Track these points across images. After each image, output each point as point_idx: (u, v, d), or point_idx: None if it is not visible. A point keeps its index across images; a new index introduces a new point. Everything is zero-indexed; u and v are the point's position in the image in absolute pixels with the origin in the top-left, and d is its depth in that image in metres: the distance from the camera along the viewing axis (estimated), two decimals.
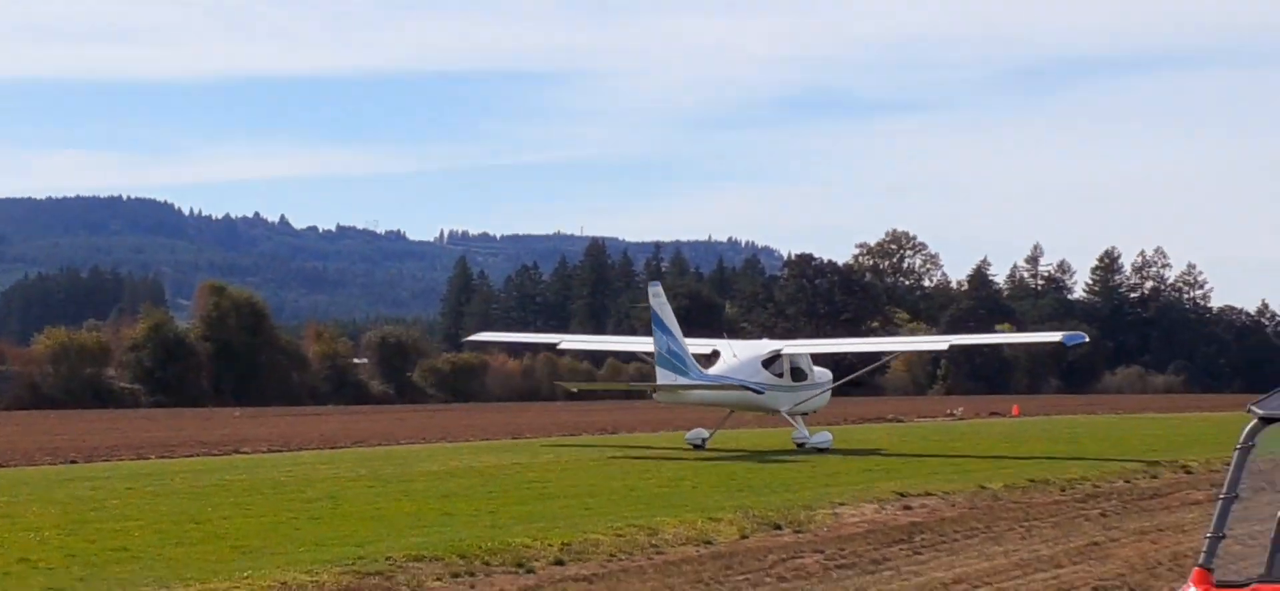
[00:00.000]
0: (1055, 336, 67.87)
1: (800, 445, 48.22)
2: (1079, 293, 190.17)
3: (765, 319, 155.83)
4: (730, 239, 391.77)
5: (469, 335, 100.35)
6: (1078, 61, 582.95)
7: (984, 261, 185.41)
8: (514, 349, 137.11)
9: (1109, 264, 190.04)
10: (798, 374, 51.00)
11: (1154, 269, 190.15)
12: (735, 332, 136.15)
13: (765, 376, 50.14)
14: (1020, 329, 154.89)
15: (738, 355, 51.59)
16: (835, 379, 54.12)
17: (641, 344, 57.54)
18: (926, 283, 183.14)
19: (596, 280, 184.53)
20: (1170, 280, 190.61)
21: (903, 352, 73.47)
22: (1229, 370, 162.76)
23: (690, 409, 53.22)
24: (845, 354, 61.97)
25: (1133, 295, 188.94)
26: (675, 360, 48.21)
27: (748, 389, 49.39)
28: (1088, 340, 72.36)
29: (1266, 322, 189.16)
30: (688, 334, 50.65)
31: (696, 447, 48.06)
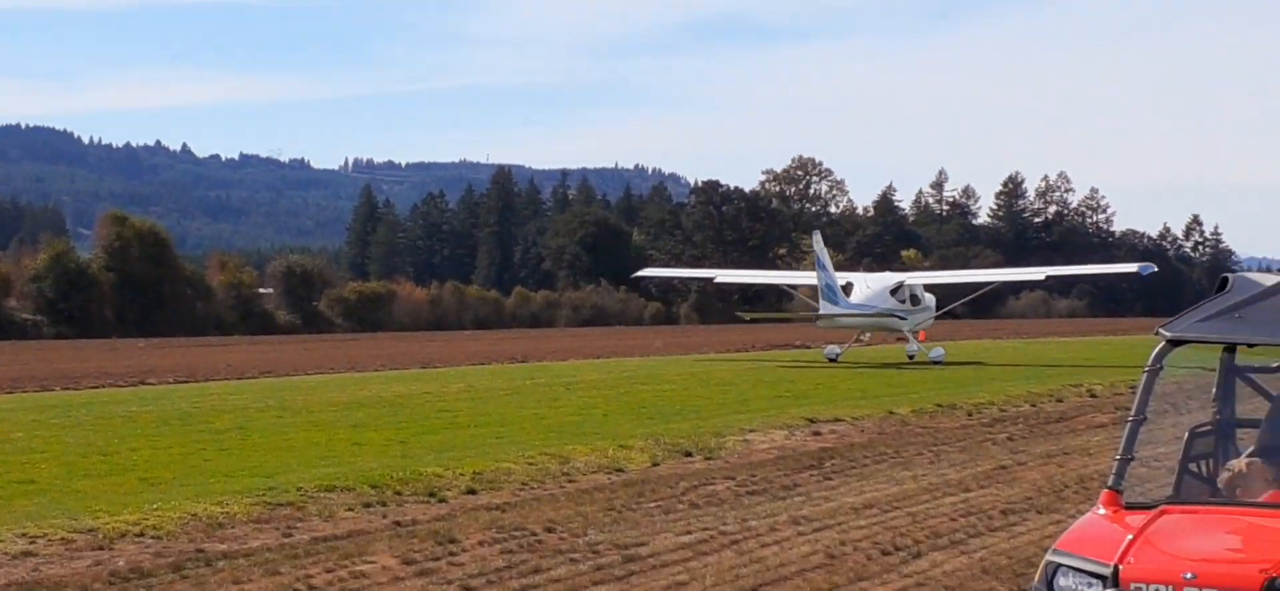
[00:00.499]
0: (1132, 268, 76.81)
1: (911, 357, 57.79)
2: (984, 218, 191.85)
3: (673, 246, 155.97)
4: (637, 166, 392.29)
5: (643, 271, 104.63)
6: None
7: (890, 187, 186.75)
8: (422, 278, 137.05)
9: (1013, 189, 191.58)
10: (915, 300, 60.91)
11: (1057, 194, 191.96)
12: (645, 260, 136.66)
13: (892, 303, 60.03)
14: (926, 254, 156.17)
15: (870, 286, 61.66)
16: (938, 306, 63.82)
17: (793, 277, 71.71)
18: (833, 209, 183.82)
19: (503, 208, 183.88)
20: (1073, 205, 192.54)
21: (999, 283, 78.53)
22: (1131, 294, 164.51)
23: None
24: (951, 284, 70.16)
25: (1036, 220, 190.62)
26: (831, 294, 59.18)
27: (894, 316, 59.84)
28: (1157, 271, 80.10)
29: (1168, 246, 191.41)
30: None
31: (831, 361, 57.23)
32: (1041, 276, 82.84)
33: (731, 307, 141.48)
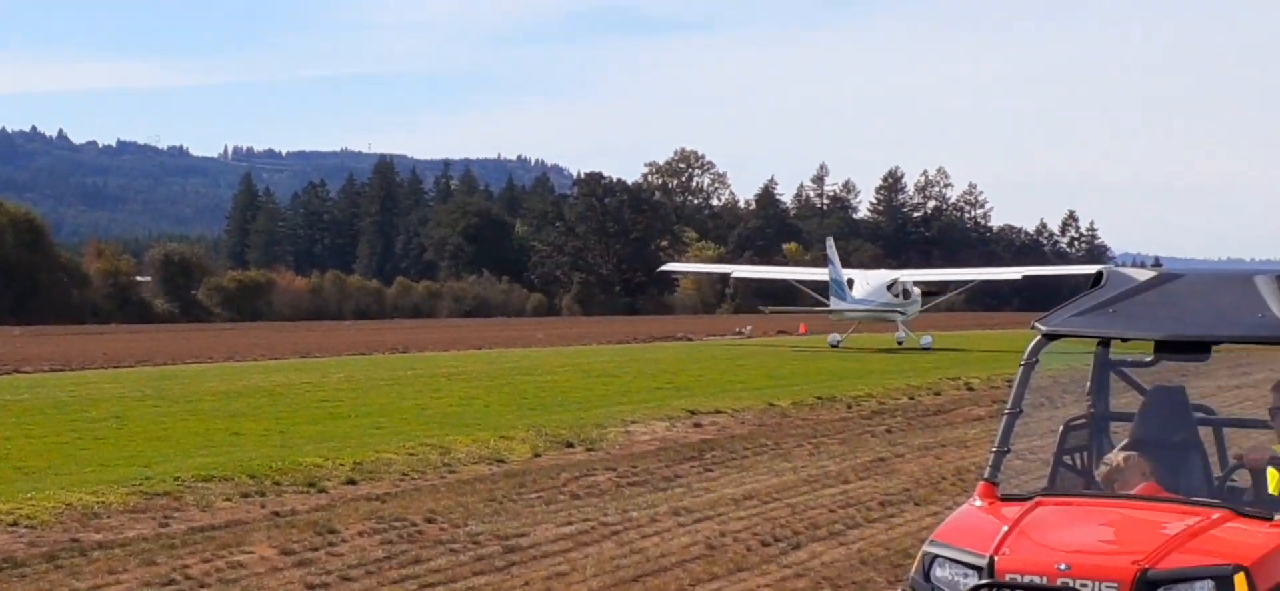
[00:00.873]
0: (1094, 270, 79.91)
1: (900, 342, 64.81)
2: (864, 212, 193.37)
3: (556, 238, 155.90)
4: (520, 157, 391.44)
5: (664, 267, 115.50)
6: None
7: (772, 181, 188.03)
8: (303, 267, 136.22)
9: (892, 183, 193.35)
10: (906, 295, 68.27)
11: (936, 188, 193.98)
12: (528, 252, 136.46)
13: (888, 298, 67.23)
14: (807, 248, 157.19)
15: (870, 283, 68.40)
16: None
17: (804, 273, 79.05)
18: (715, 202, 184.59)
19: (385, 198, 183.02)
20: (952, 200, 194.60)
21: (978, 282, 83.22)
22: (1008, 288, 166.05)
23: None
24: (934, 281, 78.53)
25: (916, 214, 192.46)
26: (839, 290, 66.13)
27: (892, 308, 66.92)
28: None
29: (1044, 241, 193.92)
30: None
31: (833, 347, 63.78)
32: (1018, 276, 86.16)
33: (612, 299, 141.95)
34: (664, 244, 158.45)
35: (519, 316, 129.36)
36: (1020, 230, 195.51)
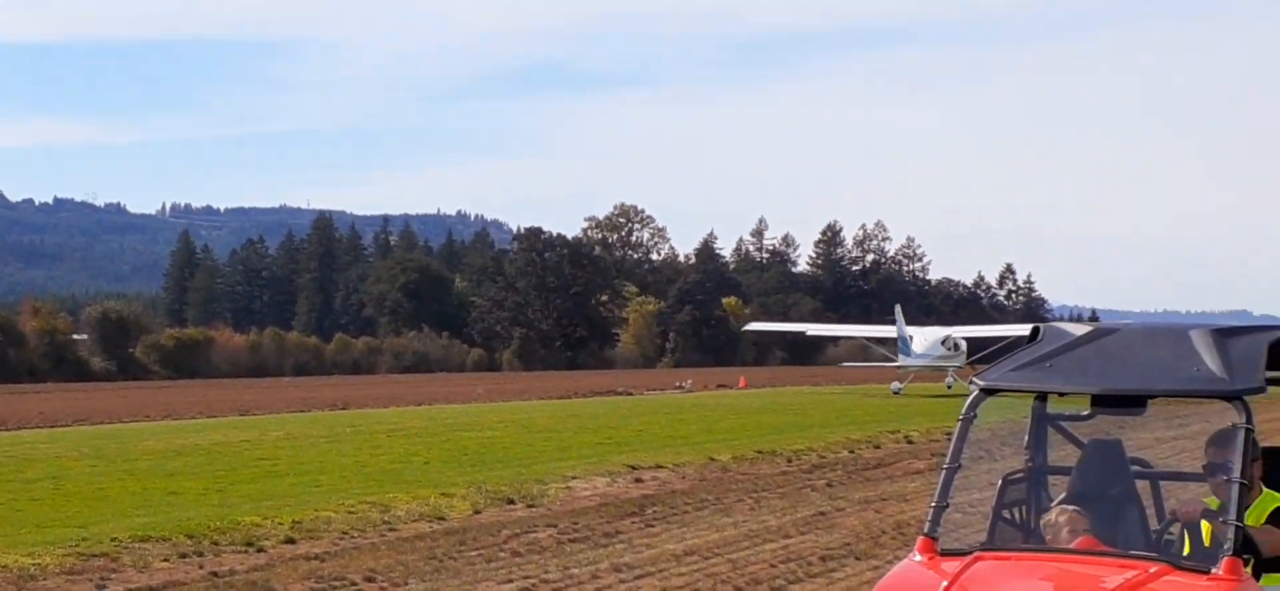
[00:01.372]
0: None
1: (949, 387, 73.89)
2: (803, 266, 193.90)
3: (496, 293, 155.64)
4: (459, 212, 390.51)
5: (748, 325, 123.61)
6: (801, 35, 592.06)
7: (711, 235, 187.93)
8: (242, 324, 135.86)
9: (831, 237, 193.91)
10: (956, 348, 77.73)
11: (875, 242, 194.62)
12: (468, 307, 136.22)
13: (942, 351, 77.05)
14: (746, 302, 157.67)
15: (926, 339, 78.22)
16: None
17: (873, 330, 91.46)
18: (655, 256, 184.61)
19: (324, 254, 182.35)
20: (890, 253, 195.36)
21: (1012, 339, 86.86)
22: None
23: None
24: (978, 338, 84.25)
25: (855, 268, 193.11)
26: (904, 347, 76.49)
27: (947, 361, 76.76)
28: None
29: (982, 294, 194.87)
30: None
31: (895, 394, 71.13)
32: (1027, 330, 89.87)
33: (552, 353, 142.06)
34: (604, 298, 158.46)
35: (459, 371, 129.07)
36: (958, 283, 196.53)
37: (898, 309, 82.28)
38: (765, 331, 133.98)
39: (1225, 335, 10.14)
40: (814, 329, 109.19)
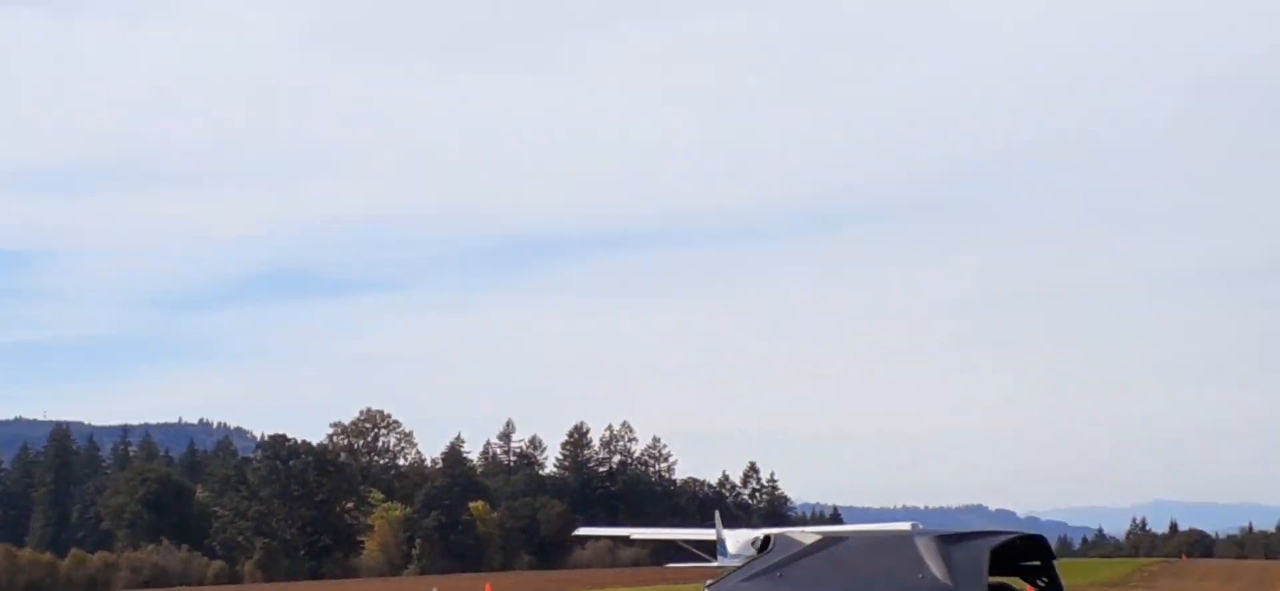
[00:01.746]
0: (1021, 532, 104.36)
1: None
2: (551, 468, 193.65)
3: (238, 502, 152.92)
4: (201, 421, 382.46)
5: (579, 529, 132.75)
6: (545, 239, 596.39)
7: (458, 438, 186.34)
8: None
9: (578, 439, 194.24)
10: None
11: (621, 443, 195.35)
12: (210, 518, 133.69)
13: (752, 552, 79.07)
14: (494, 506, 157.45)
15: (738, 540, 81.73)
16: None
17: (689, 534, 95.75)
18: (402, 461, 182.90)
19: (60, 466, 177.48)
20: (637, 454, 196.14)
21: (866, 534, 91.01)
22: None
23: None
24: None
25: (601, 469, 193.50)
26: (722, 549, 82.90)
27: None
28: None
29: (727, 493, 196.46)
30: None
31: None
32: (907, 527, 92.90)
33: (296, 563, 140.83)
34: (350, 505, 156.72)
35: (200, 585, 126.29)
36: (703, 483, 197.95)
37: (717, 515, 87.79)
38: (592, 536, 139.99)
39: (950, 541, 10.55)
40: (637, 533, 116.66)
